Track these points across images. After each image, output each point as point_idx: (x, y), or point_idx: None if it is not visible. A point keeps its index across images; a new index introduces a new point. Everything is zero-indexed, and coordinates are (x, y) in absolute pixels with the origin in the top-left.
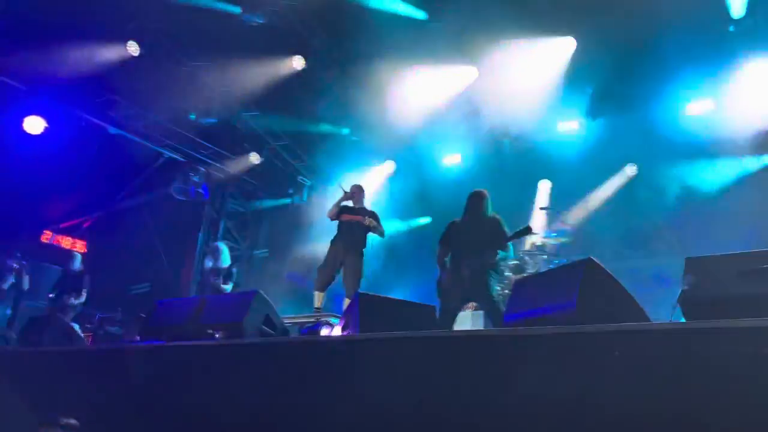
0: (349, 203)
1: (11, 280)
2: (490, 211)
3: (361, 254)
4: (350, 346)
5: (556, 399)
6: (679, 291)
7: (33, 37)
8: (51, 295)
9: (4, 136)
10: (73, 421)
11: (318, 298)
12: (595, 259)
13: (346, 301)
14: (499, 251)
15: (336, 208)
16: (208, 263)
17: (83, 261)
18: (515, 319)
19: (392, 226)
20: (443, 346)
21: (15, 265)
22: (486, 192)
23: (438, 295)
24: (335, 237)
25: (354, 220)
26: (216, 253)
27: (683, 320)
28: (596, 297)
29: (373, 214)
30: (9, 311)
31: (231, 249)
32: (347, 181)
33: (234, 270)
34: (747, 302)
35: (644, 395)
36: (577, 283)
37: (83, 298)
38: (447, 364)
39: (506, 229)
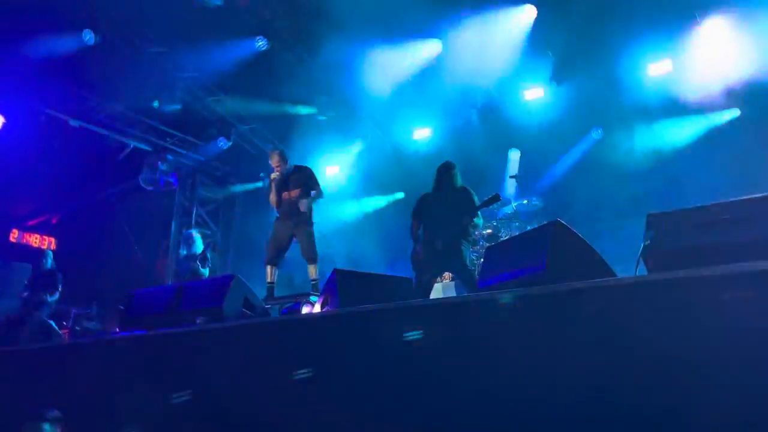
0: (277, 176)
1: None
2: (460, 182)
3: (310, 223)
4: (330, 321)
5: (531, 359)
6: (642, 246)
7: None
8: (24, 294)
9: None
10: (57, 414)
11: (270, 273)
12: (561, 221)
13: (310, 269)
14: (470, 220)
15: (273, 194)
16: (183, 251)
17: (54, 258)
18: (488, 284)
19: (366, 203)
20: (421, 315)
21: None
22: (454, 163)
23: (413, 267)
24: (279, 214)
25: (292, 198)
26: (189, 240)
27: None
28: (565, 257)
29: (304, 176)
30: None
31: (205, 236)
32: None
33: (209, 254)
34: (705, 252)
35: (614, 348)
36: (545, 245)
37: (57, 295)
38: (426, 332)
39: (476, 198)
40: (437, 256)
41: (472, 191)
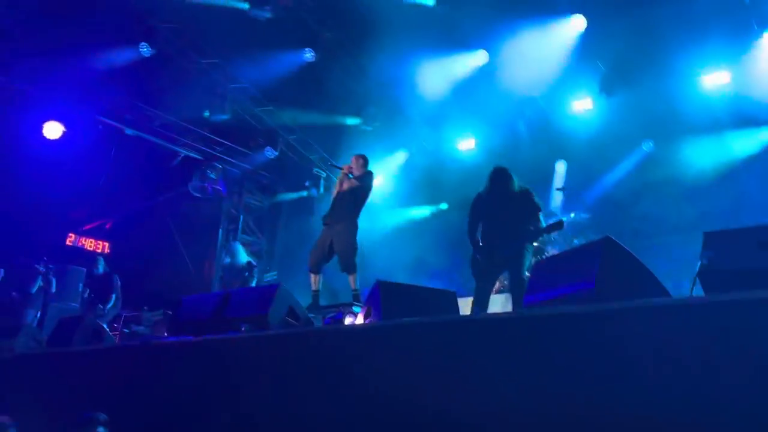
0: (346, 171)
1: (39, 284)
2: (518, 184)
3: (352, 223)
4: (373, 333)
5: (578, 381)
6: (698, 265)
7: (48, 44)
8: (86, 295)
9: (26, 143)
10: (105, 417)
11: (314, 281)
12: (612, 238)
13: (350, 279)
14: (536, 235)
15: (337, 187)
16: (226, 260)
17: (107, 262)
18: (535, 301)
19: (410, 213)
20: (465, 331)
21: (41, 269)
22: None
23: (472, 273)
24: (326, 218)
25: (344, 189)
26: (232, 250)
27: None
28: (615, 275)
29: (362, 176)
30: (38, 314)
31: (251, 243)
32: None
33: (254, 264)
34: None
35: (667, 370)
36: (595, 263)
37: (112, 301)
38: (469, 348)
39: (538, 200)
40: (497, 263)
41: (533, 192)
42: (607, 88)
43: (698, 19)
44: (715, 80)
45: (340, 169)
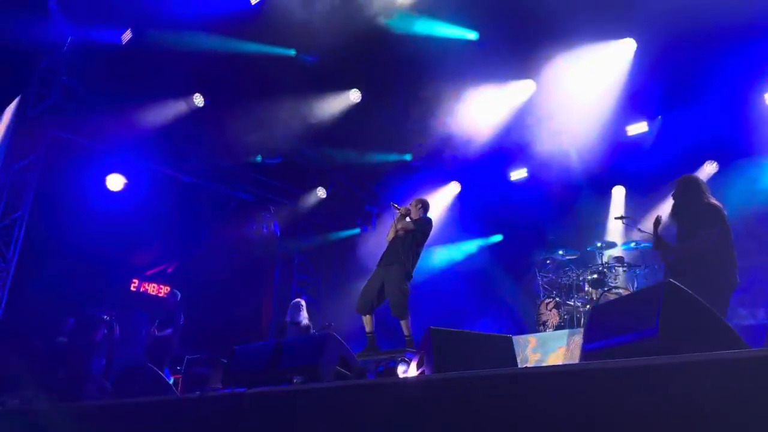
0: (403, 212)
1: (104, 331)
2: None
3: (403, 267)
4: (424, 387)
5: None
6: None
7: (109, 100)
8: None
9: (90, 195)
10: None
11: (366, 322)
12: (675, 282)
13: (402, 325)
14: None
15: (393, 229)
16: (288, 316)
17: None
18: (595, 348)
19: (464, 247)
20: (518, 384)
21: (106, 317)
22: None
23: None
24: (381, 258)
25: (399, 232)
26: (294, 308)
27: None
28: (680, 322)
29: (417, 221)
30: (104, 361)
31: (305, 282)
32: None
33: (312, 329)
34: None
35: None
36: (657, 308)
37: (168, 331)
38: (526, 403)
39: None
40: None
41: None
42: (662, 109)
43: (756, 27)
44: None
45: (399, 210)
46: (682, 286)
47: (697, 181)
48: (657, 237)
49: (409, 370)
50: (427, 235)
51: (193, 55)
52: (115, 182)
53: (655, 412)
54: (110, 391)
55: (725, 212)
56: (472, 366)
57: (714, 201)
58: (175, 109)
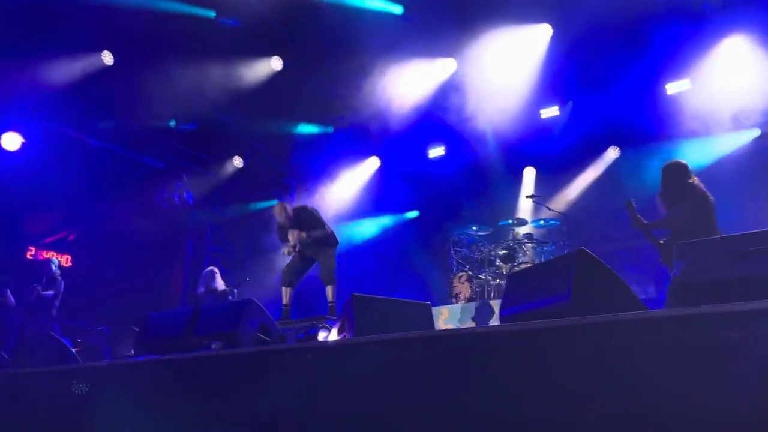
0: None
1: None
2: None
3: (331, 244)
4: (345, 350)
5: (555, 396)
6: (671, 276)
7: (5, 51)
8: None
9: None
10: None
11: (285, 294)
12: (587, 250)
13: (328, 291)
14: None
15: (287, 248)
16: (201, 287)
17: (69, 275)
18: (510, 313)
19: (382, 222)
20: (439, 346)
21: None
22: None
23: None
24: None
25: (303, 238)
26: (208, 277)
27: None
28: (591, 288)
29: (306, 218)
30: None
31: (219, 253)
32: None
33: (232, 292)
34: (739, 285)
35: (644, 386)
36: (570, 275)
37: (51, 292)
38: (445, 362)
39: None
40: None
41: None
42: (573, 95)
43: (662, 24)
44: (677, 87)
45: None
46: (593, 254)
47: (677, 164)
48: (635, 217)
49: (329, 336)
50: (314, 216)
51: (105, 8)
52: (11, 141)
53: (565, 368)
54: (7, 362)
55: (702, 190)
56: (393, 331)
57: (692, 180)
58: (82, 66)
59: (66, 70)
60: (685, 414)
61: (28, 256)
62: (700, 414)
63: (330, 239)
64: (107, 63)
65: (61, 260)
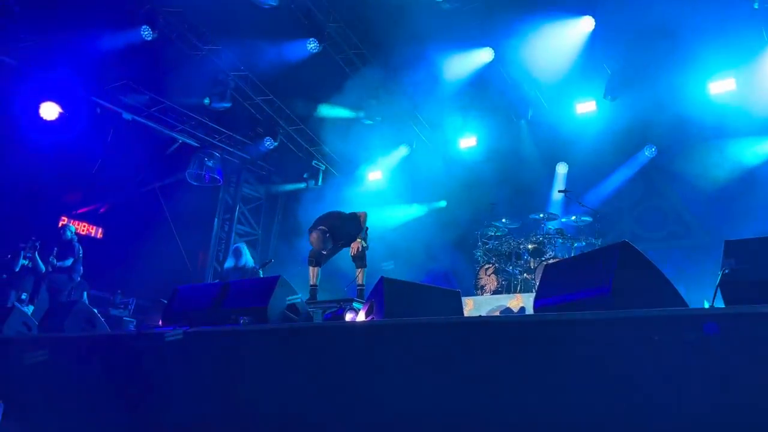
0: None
1: (22, 262)
2: None
3: (363, 236)
4: (374, 331)
5: (590, 387)
6: (719, 274)
7: (47, 22)
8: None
9: (21, 122)
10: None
11: (313, 274)
12: (630, 243)
13: (358, 274)
14: None
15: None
16: (230, 263)
17: (99, 246)
18: (546, 304)
19: (410, 210)
20: (469, 332)
21: (22, 245)
22: None
23: None
24: None
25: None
26: (237, 253)
27: (723, 305)
28: (632, 282)
29: (343, 229)
30: (25, 295)
31: (246, 233)
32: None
33: (259, 271)
34: None
35: (684, 382)
36: (612, 268)
37: (69, 262)
38: (474, 350)
39: None
40: None
41: None
42: (612, 91)
43: (707, 23)
44: (721, 87)
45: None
46: (636, 247)
47: None
48: None
49: (357, 318)
50: (344, 219)
51: None
52: (50, 111)
53: (603, 363)
54: (36, 327)
55: None
56: (421, 316)
57: None
58: (121, 40)
59: (105, 43)
60: (729, 412)
61: (60, 226)
62: (739, 411)
63: (361, 227)
64: (146, 38)
65: (92, 231)
